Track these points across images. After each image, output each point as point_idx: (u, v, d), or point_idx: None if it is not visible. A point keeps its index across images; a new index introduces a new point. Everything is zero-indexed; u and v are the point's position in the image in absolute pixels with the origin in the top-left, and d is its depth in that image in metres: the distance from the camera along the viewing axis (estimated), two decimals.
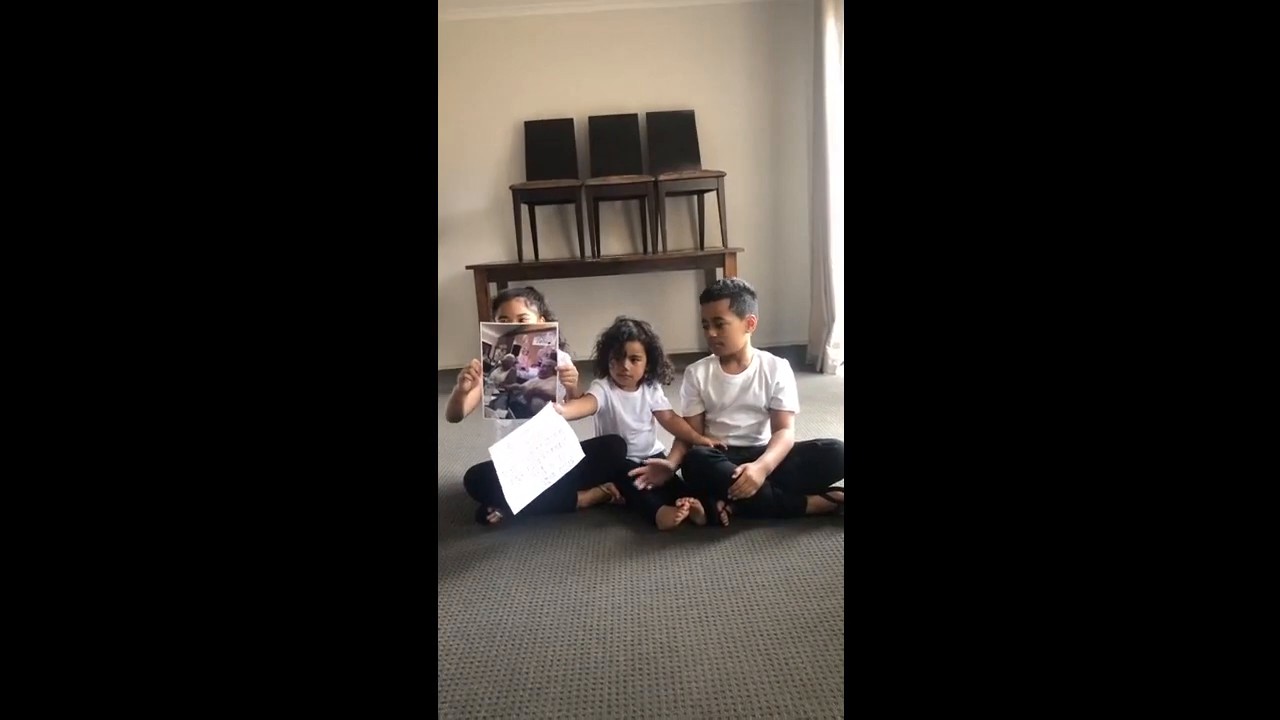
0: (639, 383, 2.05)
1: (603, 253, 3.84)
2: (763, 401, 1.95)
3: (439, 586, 1.52)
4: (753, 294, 1.97)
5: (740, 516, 1.77)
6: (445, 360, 3.37)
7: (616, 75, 3.90)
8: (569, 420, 1.86)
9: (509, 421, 1.85)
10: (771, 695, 1.11)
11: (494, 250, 4.02)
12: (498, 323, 1.93)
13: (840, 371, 3.39)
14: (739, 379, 1.96)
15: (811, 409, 2.61)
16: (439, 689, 1.16)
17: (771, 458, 1.81)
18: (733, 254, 3.56)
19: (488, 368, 1.84)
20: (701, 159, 3.79)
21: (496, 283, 3.60)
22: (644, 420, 2.06)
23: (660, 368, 2.05)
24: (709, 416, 2.01)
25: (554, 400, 1.86)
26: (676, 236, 4.00)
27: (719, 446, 1.92)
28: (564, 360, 1.88)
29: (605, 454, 1.95)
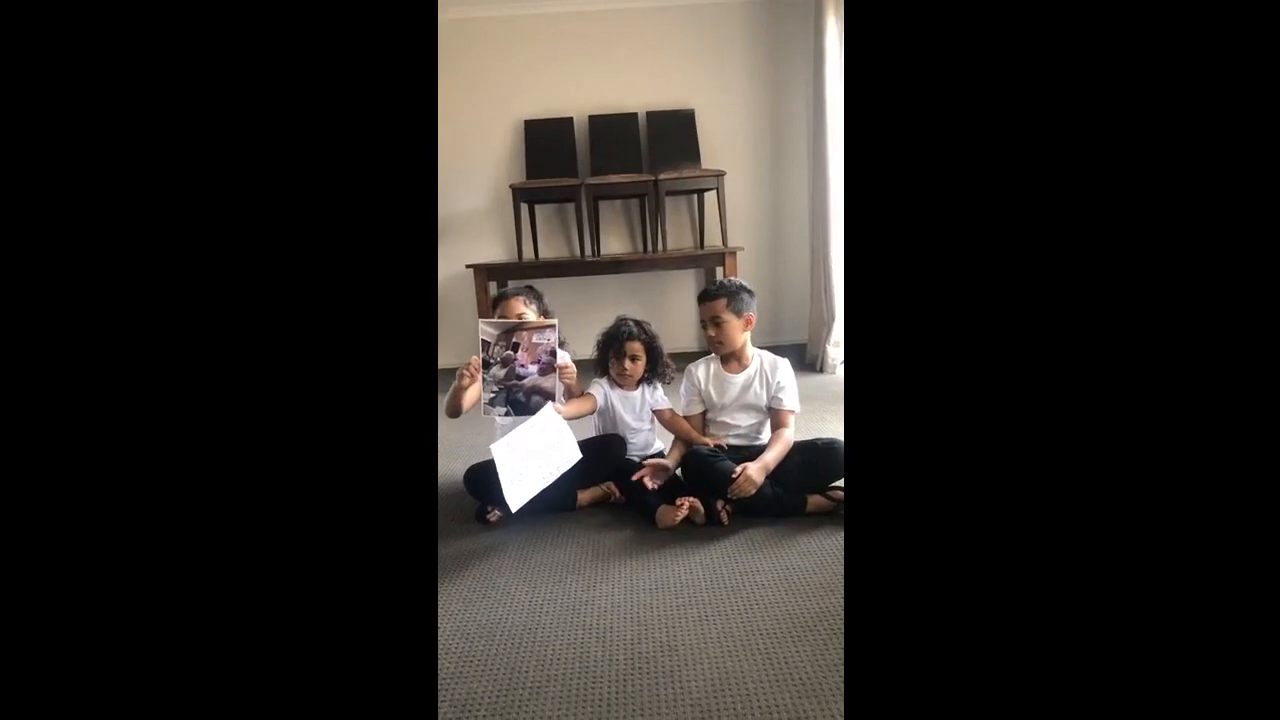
0: (639, 382, 2.05)
1: (602, 252, 3.84)
2: (763, 401, 1.95)
3: (439, 585, 1.51)
4: (750, 293, 1.96)
5: (740, 516, 1.77)
6: (445, 359, 3.37)
7: (616, 74, 3.90)
8: (568, 419, 1.86)
9: (508, 419, 1.85)
10: (771, 694, 1.11)
11: (494, 249, 4.03)
12: (497, 319, 1.92)
13: (840, 371, 3.38)
14: (740, 378, 1.96)
15: (811, 408, 2.61)
16: (439, 687, 1.16)
17: (771, 457, 1.81)
18: (732, 253, 3.56)
19: (487, 365, 1.83)
20: (701, 158, 3.79)
21: (496, 282, 3.60)
22: (644, 419, 2.06)
23: (660, 367, 2.05)
24: (709, 416, 2.01)
25: (553, 398, 1.86)
26: (676, 236, 4.00)
27: (719, 446, 1.92)
28: (563, 358, 1.88)
29: (605, 453, 1.95)
